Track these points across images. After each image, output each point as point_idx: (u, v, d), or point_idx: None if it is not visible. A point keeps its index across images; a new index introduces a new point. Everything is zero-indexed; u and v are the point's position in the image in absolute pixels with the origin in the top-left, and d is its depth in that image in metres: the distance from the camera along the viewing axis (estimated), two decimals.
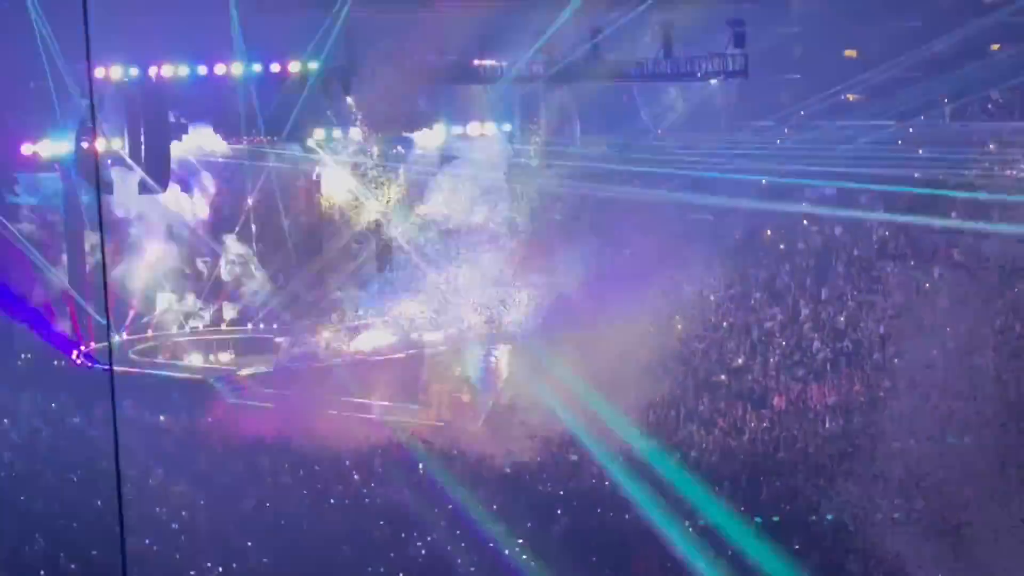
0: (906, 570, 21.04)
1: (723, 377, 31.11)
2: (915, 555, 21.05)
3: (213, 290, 39.57)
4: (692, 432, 28.25)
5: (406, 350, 36.48)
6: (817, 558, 21.85)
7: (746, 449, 27.49)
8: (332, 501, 25.65)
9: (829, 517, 23.57)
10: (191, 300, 39.08)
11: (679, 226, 36.55)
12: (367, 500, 25.56)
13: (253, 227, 40.17)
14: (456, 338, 36.12)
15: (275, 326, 39.03)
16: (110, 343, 35.35)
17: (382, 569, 22.13)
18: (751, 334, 32.32)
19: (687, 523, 23.51)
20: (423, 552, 23.05)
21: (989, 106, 35.99)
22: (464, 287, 40.01)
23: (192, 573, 22.25)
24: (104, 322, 35.30)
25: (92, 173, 34.68)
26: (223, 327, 39.18)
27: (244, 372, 35.40)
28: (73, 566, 22.09)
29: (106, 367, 34.17)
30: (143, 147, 36.21)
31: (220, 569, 22.38)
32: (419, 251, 41.14)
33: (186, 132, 38.22)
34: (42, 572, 22.04)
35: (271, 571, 22.35)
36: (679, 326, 32.92)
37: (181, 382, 34.49)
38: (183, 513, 24.83)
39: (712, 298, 33.32)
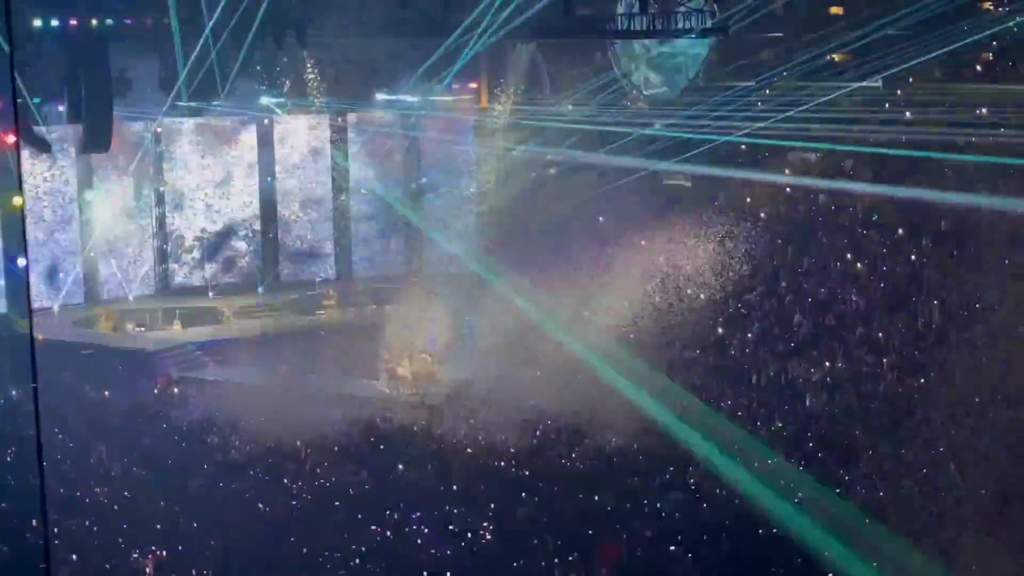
0: None
1: (697, 352, 30.98)
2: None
3: (160, 256, 39.39)
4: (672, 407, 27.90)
5: (366, 320, 36.35)
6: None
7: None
8: (285, 481, 25.38)
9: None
10: (136, 267, 38.88)
11: (653, 193, 36.54)
12: (322, 480, 25.31)
13: (203, 192, 39.96)
14: (420, 309, 35.89)
15: (225, 295, 38.91)
16: (29, 311, 34.95)
17: (337, 554, 21.92)
18: (728, 306, 32.32)
19: (660, 505, 23.46)
20: (380, 535, 22.85)
21: (979, 67, 35.96)
22: (429, 256, 40.10)
23: (134, 556, 21.90)
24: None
25: (27, 130, 34.04)
26: (168, 295, 39.06)
27: (192, 342, 35.13)
28: (3, 547, 21.74)
29: (44, 337, 33.81)
30: (83, 103, 35.64)
31: (164, 553, 22.05)
32: (380, 217, 41.00)
33: (130, 89, 37.72)
34: None
35: (218, 555, 22.03)
36: (657, 297, 32.78)
37: (124, 353, 34.16)
38: (125, 493, 24.48)
39: (689, 269, 33.23)
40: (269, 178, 40.36)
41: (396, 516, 23.32)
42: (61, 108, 36.57)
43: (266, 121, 39.98)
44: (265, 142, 40.28)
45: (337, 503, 24.11)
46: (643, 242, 34.32)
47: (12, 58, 26.83)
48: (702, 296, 32.69)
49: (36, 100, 35.55)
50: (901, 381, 27.47)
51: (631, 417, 26.91)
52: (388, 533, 22.83)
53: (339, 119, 40.26)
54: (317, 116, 40.20)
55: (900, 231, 32.47)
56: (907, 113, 35.12)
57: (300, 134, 40.47)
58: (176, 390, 31.84)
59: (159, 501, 24.14)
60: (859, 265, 31.84)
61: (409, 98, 39.71)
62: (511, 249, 36.44)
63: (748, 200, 35.73)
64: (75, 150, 37.41)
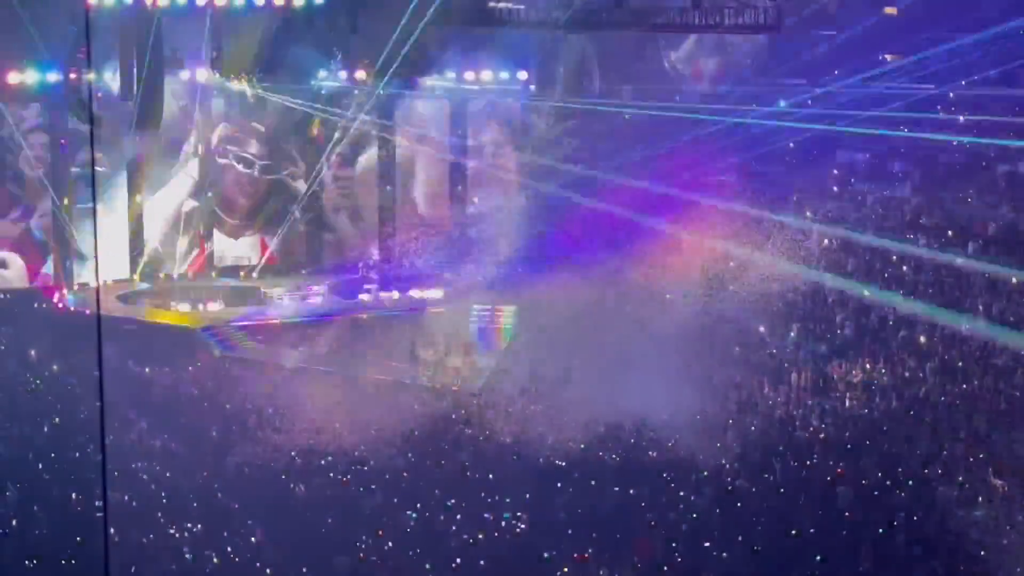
0: None
1: (737, 349, 31.02)
2: None
3: (206, 236, 39.44)
4: (706, 405, 28.14)
5: (406, 307, 36.52)
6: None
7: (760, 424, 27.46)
8: (323, 463, 25.58)
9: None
10: (183, 245, 39.10)
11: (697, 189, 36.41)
12: (360, 465, 25.48)
13: (254, 173, 39.89)
14: (458, 296, 36.20)
15: (268, 276, 39.06)
16: (98, 287, 35.37)
17: (370, 540, 22.06)
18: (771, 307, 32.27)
19: (694, 497, 23.57)
20: (415, 520, 22.99)
21: None
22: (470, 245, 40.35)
23: (172, 531, 22.15)
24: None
25: (78, 106, 34.28)
26: (214, 275, 39.25)
27: (234, 323, 35.33)
28: (47, 517, 22.05)
29: (87, 311, 34.26)
30: (135, 81, 35.96)
31: (200, 526, 22.32)
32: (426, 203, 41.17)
33: (182, 68, 38.02)
34: (14, 522, 22.02)
35: (255, 533, 22.20)
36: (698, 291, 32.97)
37: (166, 331, 34.41)
38: (164, 470, 24.74)
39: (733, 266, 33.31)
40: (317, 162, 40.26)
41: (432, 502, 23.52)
42: (114, 86, 36.82)
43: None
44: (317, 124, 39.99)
45: (374, 487, 24.30)
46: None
47: (89, 39, 27.09)
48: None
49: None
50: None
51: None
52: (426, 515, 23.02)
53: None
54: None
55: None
56: (960, 118, 34.80)
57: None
58: (219, 369, 32.09)
59: (197, 479, 24.41)
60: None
61: (455, 85, 39.86)
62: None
63: (795, 198, 35.48)
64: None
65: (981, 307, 28.88)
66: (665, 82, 38.42)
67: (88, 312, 33.99)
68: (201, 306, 36.32)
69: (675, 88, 39.15)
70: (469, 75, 39.58)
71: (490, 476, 24.81)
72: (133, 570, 20.08)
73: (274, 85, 37.94)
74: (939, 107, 35.09)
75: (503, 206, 40.28)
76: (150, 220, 38.40)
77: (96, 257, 35.73)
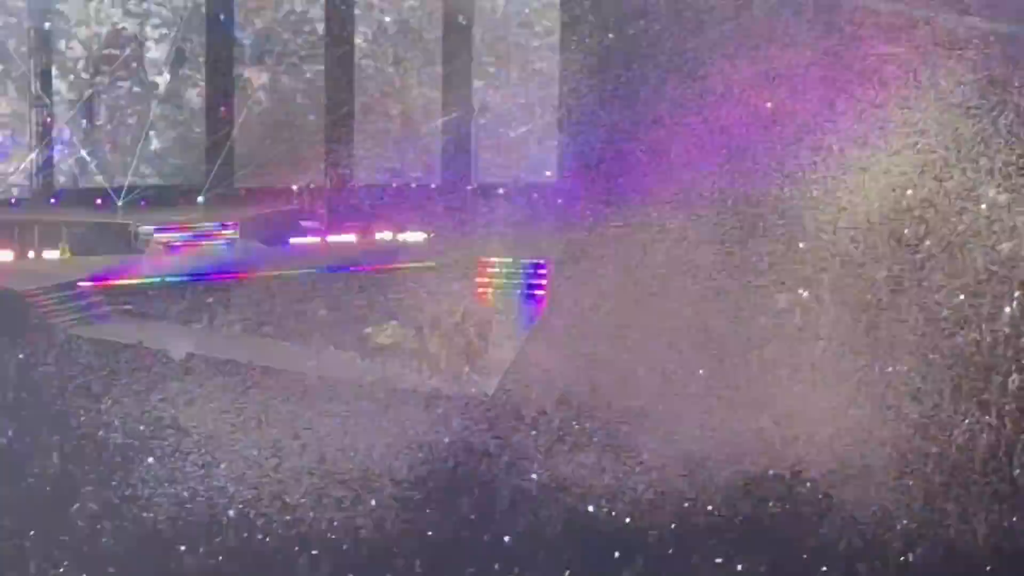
0: None
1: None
2: None
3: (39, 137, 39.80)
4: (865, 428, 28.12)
5: (367, 259, 37.14)
6: None
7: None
8: (231, 513, 25.59)
9: None
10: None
11: None
12: (292, 516, 25.49)
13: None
14: (453, 243, 37.04)
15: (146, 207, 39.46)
16: None
17: None
18: None
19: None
20: None
21: None
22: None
23: None
24: None
25: None
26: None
27: (89, 283, 35.24)
28: None
29: None
30: None
31: None
32: None
33: None
34: None
35: None
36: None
37: None
38: None
39: None
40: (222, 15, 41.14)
41: None
42: None
43: None
44: None
45: (315, 552, 24.27)
46: None
47: None
48: None
49: None
50: None
51: None
52: None
53: None
54: None
55: None
56: None
57: None
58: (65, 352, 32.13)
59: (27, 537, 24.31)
60: None
61: None
62: None
63: None
64: None
65: None
66: None
67: None
68: (32, 253, 36.73)
69: None
70: None
71: (506, 539, 24.97)
72: None
73: None
74: None
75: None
76: None
77: None
